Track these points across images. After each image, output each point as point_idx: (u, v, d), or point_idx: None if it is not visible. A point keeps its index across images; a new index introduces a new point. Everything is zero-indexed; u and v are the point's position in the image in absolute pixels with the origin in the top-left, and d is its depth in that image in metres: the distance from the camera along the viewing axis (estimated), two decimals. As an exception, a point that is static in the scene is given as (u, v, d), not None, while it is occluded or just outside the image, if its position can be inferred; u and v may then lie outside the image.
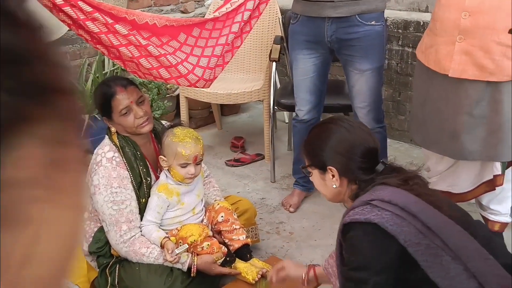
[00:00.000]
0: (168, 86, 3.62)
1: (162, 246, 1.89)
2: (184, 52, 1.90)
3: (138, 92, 1.94)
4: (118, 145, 1.94)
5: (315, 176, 1.50)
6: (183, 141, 1.91)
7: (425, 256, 1.21)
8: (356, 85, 2.36)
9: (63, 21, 1.80)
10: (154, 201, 1.95)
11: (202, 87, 1.99)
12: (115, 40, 1.77)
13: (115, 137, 1.96)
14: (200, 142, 1.95)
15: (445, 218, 1.29)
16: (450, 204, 1.39)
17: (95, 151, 1.98)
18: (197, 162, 1.94)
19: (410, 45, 3.12)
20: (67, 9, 1.69)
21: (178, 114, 3.50)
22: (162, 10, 3.67)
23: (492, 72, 1.85)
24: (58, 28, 3.08)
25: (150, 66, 1.85)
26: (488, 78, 1.87)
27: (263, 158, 3.25)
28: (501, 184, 2.12)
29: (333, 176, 1.44)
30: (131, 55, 1.81)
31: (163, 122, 2.20)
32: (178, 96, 3.48)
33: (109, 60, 3.36)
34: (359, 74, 2.32)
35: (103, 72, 3.32)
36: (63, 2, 1.67)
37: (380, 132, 2.46)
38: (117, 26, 1.75)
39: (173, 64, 1.85)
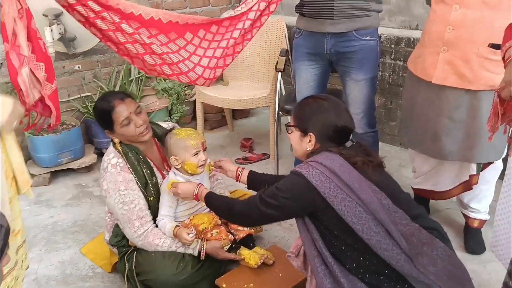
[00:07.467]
0: (187, 92, 3.65)
1: (175, 235, 1.89)
2: (187, 51, 1.87)
3: (135, 103, 1.93)
4: (122, 151, 1.92)
5: (294, 135, 1.62)
6: (187, 135, 1.93)
7: (340, 206, 1.41)
8: (351, 93, 2.35)
9: (93, 33, 1.81)
10: (165, 198, 1.95)
11: (202, 85, 1.95)
12: (122, 37, 1.75)
13: (118, 146, 1.94)
14: (199, 132, 1.97)
15: (363, 179, 1.44)
16: (378, 172, 1.51)
17: (103, 158, 1.96)
18: (205, 148, 1.95)
19: (401, 59, 3.10)
20: (79, 8, 1.67)
21: (194, 117, 3.52)
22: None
23: (470, 81, 1.85)
24: (91, 39, 3.16)
25: (154, 63, 1.82)
26: (467, 86, 1.86)
27: (269, 157, 3.26)
28: (476, 183, 2.11)
29: (309, 141, 1.57)
30: (136, 52, 1.79)
31: (160, 123, 2.16)
32: (195, 101, 3.51)
33: (134, 69, 3.40)
34: (354, 83, 2.31)
35: (129, 78, 3.36)
36: (75, 1, 1.65)
37: (372, 136, 2.44)
38: (123, 25, 1.72)
39: (175, 62, 1.83)
